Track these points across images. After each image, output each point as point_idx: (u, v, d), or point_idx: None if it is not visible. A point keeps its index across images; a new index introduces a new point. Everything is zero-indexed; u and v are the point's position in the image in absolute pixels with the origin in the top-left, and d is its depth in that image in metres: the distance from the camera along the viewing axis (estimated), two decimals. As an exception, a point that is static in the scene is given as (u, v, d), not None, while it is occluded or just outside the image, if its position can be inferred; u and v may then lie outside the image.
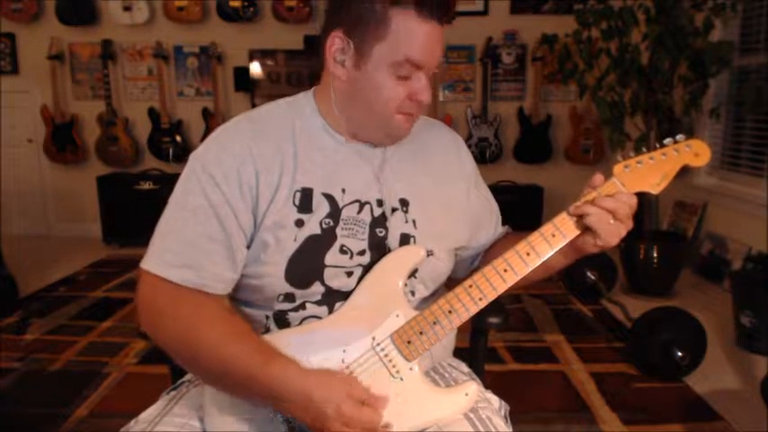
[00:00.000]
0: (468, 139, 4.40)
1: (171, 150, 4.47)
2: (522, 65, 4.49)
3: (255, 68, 4.39)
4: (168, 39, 4.46)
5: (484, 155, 4.40)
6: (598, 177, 0.93)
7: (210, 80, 4.46)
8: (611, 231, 0.89)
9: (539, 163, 4.49)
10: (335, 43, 0.91)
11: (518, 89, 4.52)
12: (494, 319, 1.13)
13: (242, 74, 4.44)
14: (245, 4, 4.34)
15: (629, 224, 0.90)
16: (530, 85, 4.48)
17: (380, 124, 0.95)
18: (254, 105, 4.30)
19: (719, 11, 3.03)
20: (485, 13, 4.42)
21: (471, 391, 0.92)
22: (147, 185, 4.32)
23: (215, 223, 0.91)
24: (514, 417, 1.05)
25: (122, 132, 4.49)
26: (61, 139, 4.52)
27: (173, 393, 1.04)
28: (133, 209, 4.24)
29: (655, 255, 3.28)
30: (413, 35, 0.88)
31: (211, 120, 4.42)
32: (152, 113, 4.47)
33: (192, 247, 0.91)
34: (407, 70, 0.90)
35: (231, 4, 4.34)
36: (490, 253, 1.12)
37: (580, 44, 3.27)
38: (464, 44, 4.44)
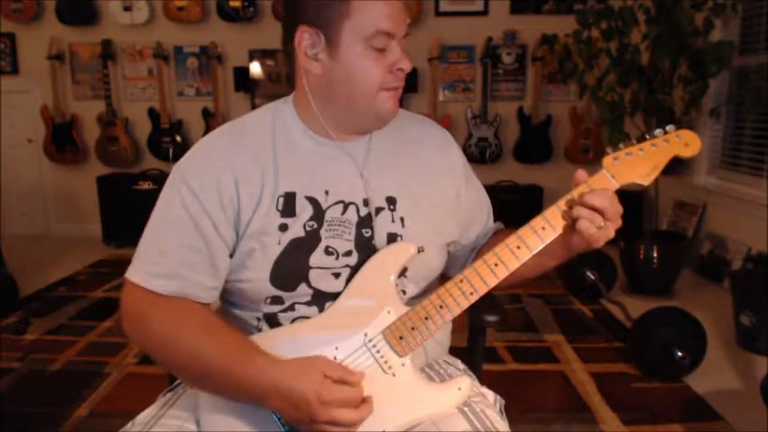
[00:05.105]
0: (468, 139, 4.40)
1: (171, 150, 4.47)
2: (522, 65, 4.48)
3: (255, 68, 4.39)
4: (168, 39, 4.45)
5: (484, 155, 4.40)
6: (581, 174, 0.91)
7: (210, 80, 4.46)
8: (600, 233, 0.87)
9: (539, 163, 4.48)
10: (305, 38, 0.91)
11: (518, 89, 4.52)
12: (491, 318, 1.13)
13: (242, 74, 4.44)
14: (245, 3, 4.34)
15: (618, 223, 0.89)
16: (530, 85, 4.47)
17: (366, 107, 0.94)
18: (254, 105, 4.30)
19: (719, 11, 3.03)
20: (485, 13, 4.41)
21: (464, 385, 0.92)
22: (146, 185, 4.32)
23: (194, 234, 0.92)
24: (514, 417, 1.05)
25: (122, 132, 4.49)
26: (61, 139, 4.52)
27: (169, 395, 1.04)
28: (133, 209, 4.21)
29: (655, 255, 3.28)
30: (376, 5, 0.88)
31: (211, 120, 4.42)
32: (152, 113, 4.47)
33: (172, 257, 0.92)
34: (381, 42, 0.89)
35: (231, 3, 4.34)
36: (484, 251, 1.11)
37: (580, 44, 3.27)
38: (464, 44, 4.44)
